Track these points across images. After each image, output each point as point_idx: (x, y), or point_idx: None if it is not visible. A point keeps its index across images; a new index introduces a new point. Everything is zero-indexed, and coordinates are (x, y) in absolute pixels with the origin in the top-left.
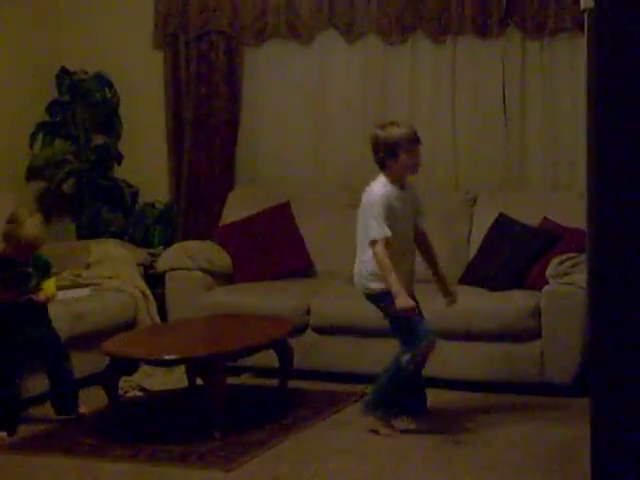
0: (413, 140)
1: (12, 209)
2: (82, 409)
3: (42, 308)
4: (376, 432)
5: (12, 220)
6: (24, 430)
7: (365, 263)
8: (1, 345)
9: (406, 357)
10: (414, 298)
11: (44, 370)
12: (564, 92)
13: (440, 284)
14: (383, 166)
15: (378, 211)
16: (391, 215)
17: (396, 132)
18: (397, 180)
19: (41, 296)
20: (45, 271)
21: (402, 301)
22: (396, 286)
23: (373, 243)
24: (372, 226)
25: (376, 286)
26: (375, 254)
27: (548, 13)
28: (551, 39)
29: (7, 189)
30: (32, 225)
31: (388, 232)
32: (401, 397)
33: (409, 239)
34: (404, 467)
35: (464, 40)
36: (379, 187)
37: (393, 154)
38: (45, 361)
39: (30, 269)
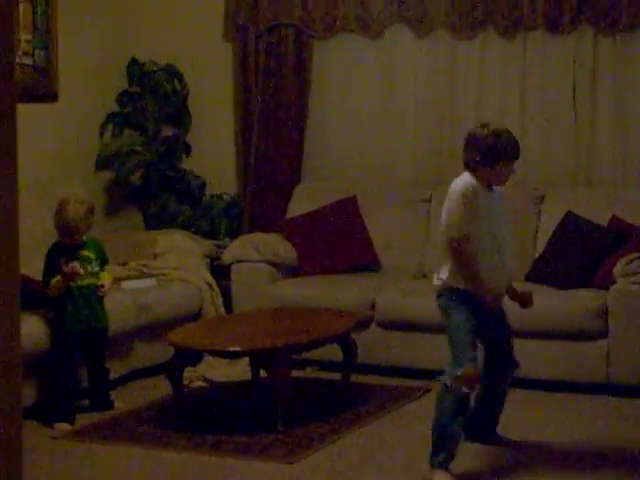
0: (516, 152)
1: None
2: (117, 404)
3: (98, 297)
4: None
5: (59, 206)
6: (88, 419)
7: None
8: (62, 338)
9: (443, 379)
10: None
11: (85, 363)
12: (635, 90)
13: (511, 294)
14: (472, 169)
15: (457, 205)
16: (475, 213)
17: (502, 139)
18: (484, 183)
19: (102, 290)
20: (102, 256)
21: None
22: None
23: (449, 237)
24: (447, 218)
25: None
26: (451, 250)
27: (621, 9)
28: (624, 36)
29: (77, 179)
30: (72, 211)
31: (468, 230)
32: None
33: (503, 237)
34: (466, 464)
35: (535, 36)
36: (461, 180)
37: (490, 163)
38: (90, 353)
39: (88, 252)
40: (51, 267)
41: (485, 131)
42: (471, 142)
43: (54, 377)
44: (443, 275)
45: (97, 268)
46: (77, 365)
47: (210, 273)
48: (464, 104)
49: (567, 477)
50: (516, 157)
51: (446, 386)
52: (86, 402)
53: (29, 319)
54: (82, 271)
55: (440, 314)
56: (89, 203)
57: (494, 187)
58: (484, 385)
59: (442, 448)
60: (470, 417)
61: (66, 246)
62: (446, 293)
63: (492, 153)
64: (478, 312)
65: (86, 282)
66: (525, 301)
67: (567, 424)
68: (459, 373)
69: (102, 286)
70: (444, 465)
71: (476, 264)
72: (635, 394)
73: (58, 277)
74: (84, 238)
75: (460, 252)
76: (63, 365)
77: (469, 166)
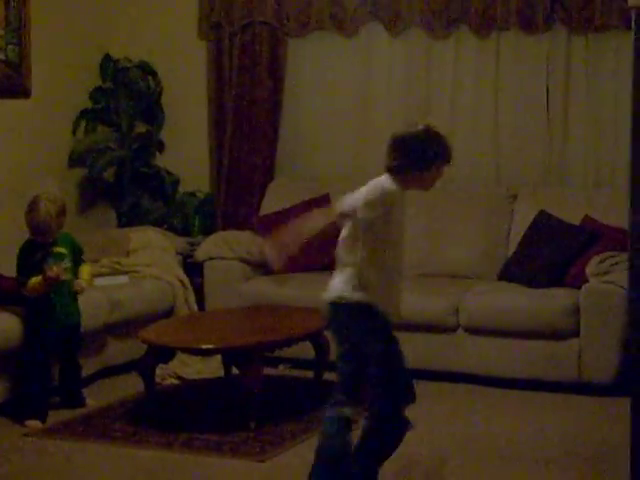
0: (449, 157)
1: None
2: (89, 401)
3: (72, 293)
4: None
5: (30, 205)
6: (59, 416)
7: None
8: (35, 335)
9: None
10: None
11: (56, 359)
12: (608, 90)
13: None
14: (398, 172)
15: (373, 198)
16: (387, 218)
17: (439, 143)
18: (406, 188)
19: (80, 285)
20: (77, 252)
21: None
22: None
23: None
24: (347, 199)
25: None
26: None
27: (595, 9)
28: (597, 35)
29: (49, 175)
30: (43, 210)
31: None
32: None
33: (402, 255)
34: (442, 465)
35: (509, 35)
36: (384, 180)
37: (423, 167)
38: (63, 350)
39: (61, 249)
40: (26, 265)
41: (416, 133)
42: (400, 145)
43: (26, 374)
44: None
45: (69, 264)
46: (50, 362)
47: (183, 270)
48: (438, 103)
49: (538, 474)
50: (449, 160)
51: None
52: (57, 399)
53: (0, 316)
54: (67, 277)
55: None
56: (61, 202)
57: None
58: None
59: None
60: None
61: (38, 244)
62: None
63: (426, 156)
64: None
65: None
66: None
67: (539, 422)
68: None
69: (80, 289)
70: None
71: (299, 233)
72: (607, 392)
73: (39, 278)
74: (55, 235)
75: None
76: (36, 362)
77: (395, 170)
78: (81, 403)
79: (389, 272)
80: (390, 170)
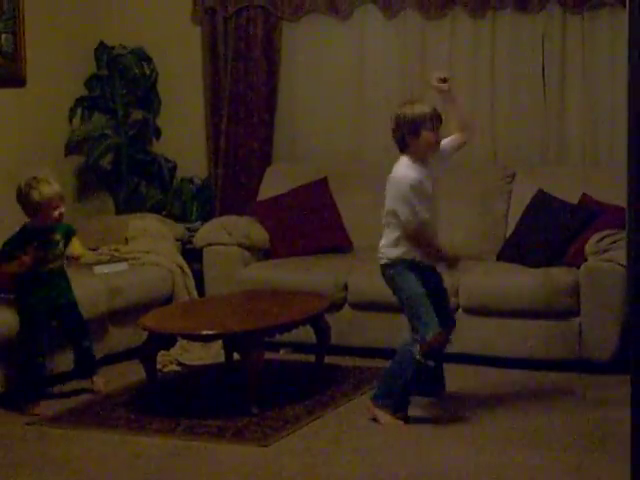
0: (435, 118)
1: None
2: (99, 385)
3: (64, 275)
4: (377, 421)
5: (25, 189)
6: (61, 404)
7: (389, 245)
8: (25, 314)
9: (415, 349)
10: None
11: (67, 341)
12: (604, 68)
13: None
14: (404, 146)
15: (408, 197)
16: (422, 197)
17: (418, 110)
18: (419, 159)
19: (74, 253)
20: (70, 234)
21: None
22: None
23: (408, 229)
24: (404, 212)
25: (396, 253)
26: (412, 238)
27: None
28: (592, 14)
29: (46, 163)
30: (46, 185)
31: (422, 216)
32: (413, 388)
33: (437, 214)
34: (442, 443)
35: (504, 15)
36: (404, 170)
37: (415, 132)
38: (65, 334)
39: (57, 236)
40: (15, 248)
41: (403, 107)
42: (395, 121)
43: (22, 358)
44: (391, 252)
45: (61, 249)
46: (45, 346)
47: (182, 256)
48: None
49: (538, 452)
50: (438, 120)
51: (414, 358)
52: (59, 388)
53: None
54: (57, 264)
55: (393, 288)
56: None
57: (428, 163)
58: None
59: (392, 396)
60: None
61: (38, 229)
62: (393, 265)
63: (413, 121)
64: (423, 279)
65: (53, 265)
66: (452, 264)
67: (540, 401)
68: (430, 337)
69: (77, 258)
70: (391, 409)
71: (432, 239)
72: (607, 370)
73: (14, 265)
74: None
75: (420, 236)
76: (28, 346)
77: (401, 145)
78: (91, 373)
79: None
80: (398, 146)
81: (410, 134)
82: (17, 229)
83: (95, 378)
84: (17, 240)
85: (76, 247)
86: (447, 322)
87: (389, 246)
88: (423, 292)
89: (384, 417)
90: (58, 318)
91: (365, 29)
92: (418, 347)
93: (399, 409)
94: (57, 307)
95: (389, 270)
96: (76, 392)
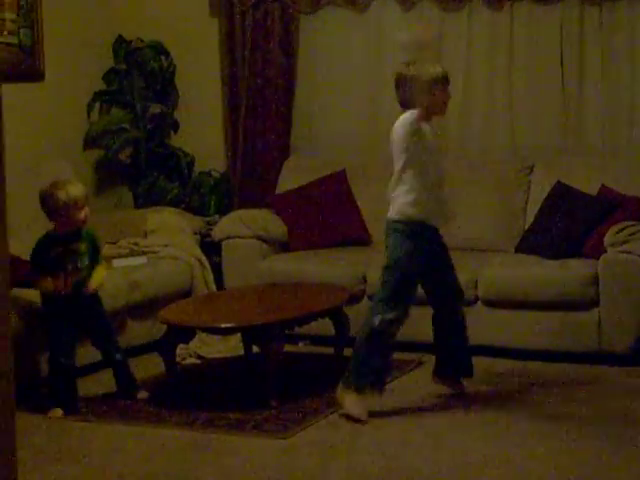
0: (446, 79)
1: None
2: (141, 394)
3: (94, 298)
4: (350, 417)
5: (50, 190)
6: (80, 397)
7: (399, 197)
8: (56, 332)
9: (375, 320)
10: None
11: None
12: (623, 58)
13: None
14: (411, 105)
15: (412, 129)
16: (424, 146)
17: (431, 70)
18: (424, 119)
19: (90, 287)
20: (96, 251)
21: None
22: None
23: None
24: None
25: (411, 212)
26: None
27: None
28: (610, 4)
29: (64, 158)
30: (72, 186)
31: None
32: (381, 365)
33: (442, 171)
34: (460, 436)
35: (522, 6)
36: (407, 115)
37: (427, 91)
38: (93, 338)
39: (82, 245)
40: (41, 261)
41: (411, 67)
42: (401, 79)
43: (50, 359)
44: (406, 208)
45: (87, 262)
46: (70, 344)
47: (201, 250)
48: (452, 76)
49: (559, 443)
50: (448, 82)
51: (373, 328)
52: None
53: (20, 299)
54: (81, 275)
55: (388, 245)
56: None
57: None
58: (440, 324)
59: (364, 375)
60: (442, 360)
61: (60, 236)
62: (403, 227)
63: (425, 81)
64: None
65: (74, 279)
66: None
67: (560, 393)
68: (392, 317)
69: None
70: (356, 388)
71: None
72: (626, 362)
73: (50, 282)
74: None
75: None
76: (59, 354)
77: (406, 104)
78: (133, 392)
79: (432, 187)
80: (402, 105)
81: (420, 93)
82: (40, 238)
83: (139, 395)
84: (43, 251)
85: (97, 279)
86: (453, 291)
87: (405, 203)
88: (415, 272)
89: (346, 400)
90: (83, 314)
91: (382, 21)
92: (379, 318)
93: (374, 385)
94: (89, 332)
95: (398, 226)
96: (95, 385)
